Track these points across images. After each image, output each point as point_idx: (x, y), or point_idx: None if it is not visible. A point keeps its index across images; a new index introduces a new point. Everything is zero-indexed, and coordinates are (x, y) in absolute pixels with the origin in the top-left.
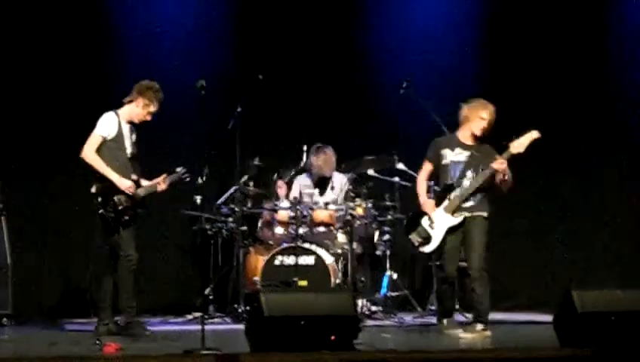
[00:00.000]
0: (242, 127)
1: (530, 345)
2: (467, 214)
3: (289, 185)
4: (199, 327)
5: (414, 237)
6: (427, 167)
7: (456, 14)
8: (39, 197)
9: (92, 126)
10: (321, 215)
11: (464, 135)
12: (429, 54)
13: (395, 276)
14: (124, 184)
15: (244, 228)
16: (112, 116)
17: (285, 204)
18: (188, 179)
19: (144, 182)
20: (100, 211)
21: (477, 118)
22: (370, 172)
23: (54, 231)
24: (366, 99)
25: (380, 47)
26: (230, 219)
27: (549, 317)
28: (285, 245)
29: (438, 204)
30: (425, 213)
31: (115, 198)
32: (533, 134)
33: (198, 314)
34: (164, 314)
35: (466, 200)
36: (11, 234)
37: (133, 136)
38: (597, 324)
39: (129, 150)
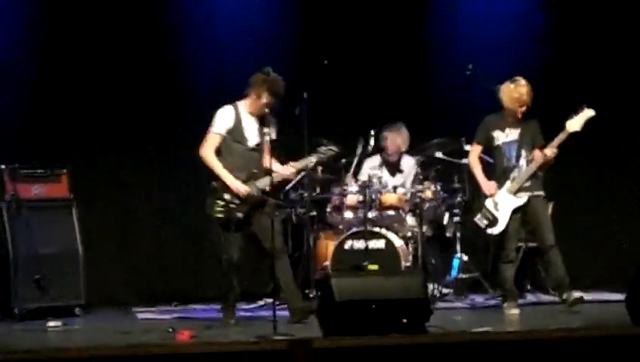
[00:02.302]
0: (309, 112)
1: (603, 324)
2: (529, 194)
3: (358, 167)
4: (271, 313)
5: (480, 220)
6: (477, 149)
7: None
8: (110, 185)
9: (160, 114)
10: (389, 198)
11: (509, 114)
12: (496, 35)
13: (465, 258)
14: (236, 187)
15: (314, 213)
16: (228, 110)
17: (354, 188)
18: (332, 153)
19: (277, 169)
20: (208, 212)
21: (510, 98)
22: (438, 154)
23: (125, 220)
24: (432, 81)
25: (446, 30)
26: (299, 205)
27: (621, 296)
28: (355, 229)
29: (499, 186)
30: (486, 195)
31: (227, 196)
32: (589, 112)
33: (269, 301)
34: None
35: (526, 180)
36: (82, 224)
37: (264, 127)
38: None
39: (251, 141)
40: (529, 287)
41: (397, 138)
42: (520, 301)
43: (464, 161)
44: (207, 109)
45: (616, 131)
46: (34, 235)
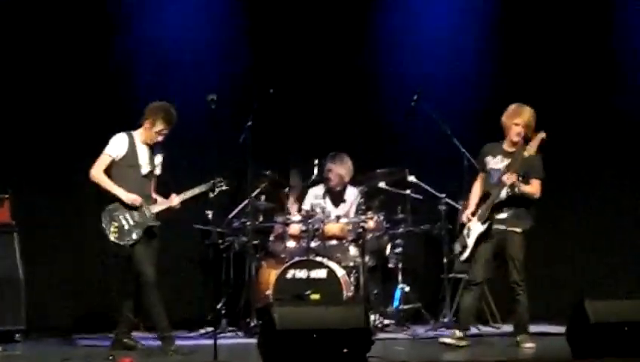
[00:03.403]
0: (253, 140)
1: (543, 357)
2: (502, 227)
3: (301, 197)
4: (211, 342)
5: (456, 246)
6: (479, 176)
7: (466, 25)
8: (52, 211)
9: (102, 141)
10: (332, 228)
11: (507, 142)
12: (440, 66)
13: (407, 289)
14: (129, 197)
15: (256, 241)
16: (122, 137)
17: (297, 217)
18: (222, 188)
19: (160, 200)
20: (106, 232)
21: (511, 125)
22: (382, 185)
23: (67, 246)
24: (377, 111)
25: (391, 59)
26: (242, 233)
27: (562, 329)
28: (297, 259)
29: (474, 213)
30: (464, 223)
31: (121, 217)
32: (541, 135)
33: (210, 329)
34: (176, 328)
35: (501, 211)
36: (23, 249)
37: (156, 157)
38: (610, 335)
39: (144, 169)
40: (453, 319)
41: (340, 169)
42: None
43: (408, 191)
44: None
45: (568, 164)
46: None
